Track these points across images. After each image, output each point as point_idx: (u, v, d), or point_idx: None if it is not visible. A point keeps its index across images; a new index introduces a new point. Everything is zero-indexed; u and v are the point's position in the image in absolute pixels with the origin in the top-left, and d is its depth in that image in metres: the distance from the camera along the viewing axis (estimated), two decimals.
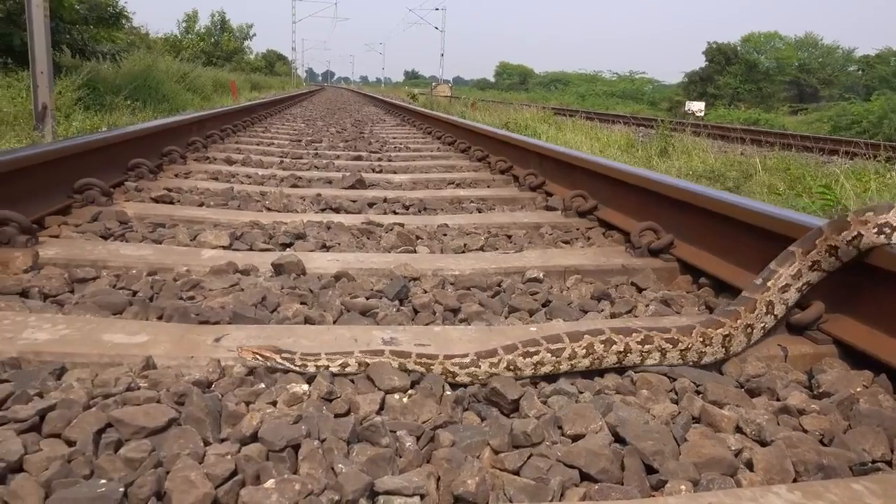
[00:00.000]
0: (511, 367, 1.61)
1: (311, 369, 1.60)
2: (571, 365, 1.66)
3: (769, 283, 1.85)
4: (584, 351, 1.65)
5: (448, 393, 1.54)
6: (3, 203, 2.60)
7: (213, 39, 49.94)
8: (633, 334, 1.69)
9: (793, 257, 1.87)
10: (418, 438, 1.36)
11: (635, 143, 12.70)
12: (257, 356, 1.59)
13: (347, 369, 1.60)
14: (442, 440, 1.33)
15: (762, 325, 1.83)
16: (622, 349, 1.68)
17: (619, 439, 1.37)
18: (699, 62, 64.79)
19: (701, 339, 1.73)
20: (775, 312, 1.85)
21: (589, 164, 3.74)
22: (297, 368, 1.60)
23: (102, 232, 2.86)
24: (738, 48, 58.33)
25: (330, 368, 1.60)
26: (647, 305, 2.26)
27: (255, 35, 56.30)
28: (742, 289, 2.27)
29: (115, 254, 2.51)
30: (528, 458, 1.29)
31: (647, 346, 1.69)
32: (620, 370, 1.72)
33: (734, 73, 56.19)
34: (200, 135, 6.22)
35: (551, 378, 1.67)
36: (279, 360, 1.59)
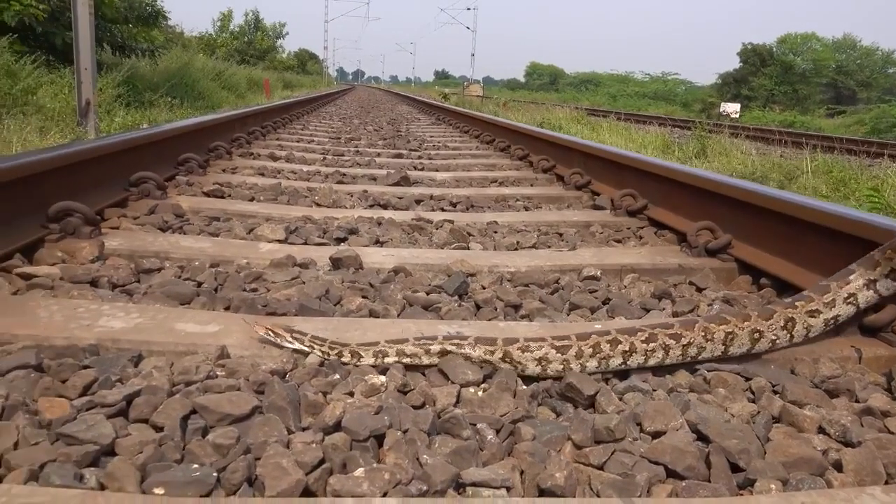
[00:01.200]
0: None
1: (318, 354, 1.63)
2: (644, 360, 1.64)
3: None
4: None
5: (523, 387, 1.53)
6: (66, 195, 2.65)
7: (246, 38, 50.47)
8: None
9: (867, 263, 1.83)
10: (498, 431, 1.36)
11: (671, 143, 12.58)
12: (269, 331, 1.64)
13: (342, 358, 1.63)
14: (523, 434, 1.33)
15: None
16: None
17: (701, 437, 1.35)
18: (733, 63, 63.92)
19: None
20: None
21: (639, 163, 3.71)
22: (305, 347, 1.64)
23: (160, 224, 2.90)
24: (774, 49, 57.44)
25: (330, 356, 1.63)
26: (709, 305, 2.23)
27: (287, 34, 56.79)
28: (805, 289, 2.24)
29: (176, 246, 2.54)
30: (612, 453, 1.28)
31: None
32: (690, 367, 1.70)
33: (769, 74, 55.34)
34: (243, 131, 6.28)
35: (622, 375, 1.66)
36: (289, 339, 1.63)
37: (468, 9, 62.71)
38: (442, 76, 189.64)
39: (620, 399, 1.51)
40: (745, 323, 1.70)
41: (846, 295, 1.79)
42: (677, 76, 72.73)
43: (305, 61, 73.94)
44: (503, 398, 1.46)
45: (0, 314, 1.74)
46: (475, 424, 1.36)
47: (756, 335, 1.71)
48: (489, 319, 2.04)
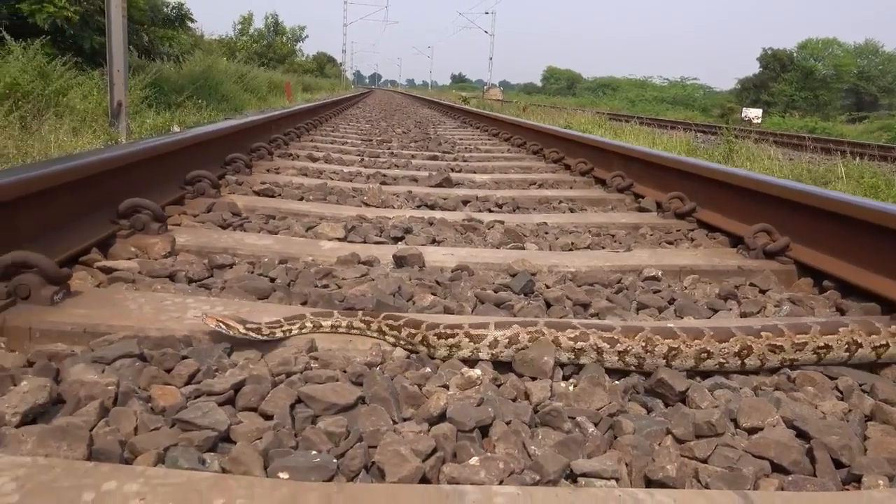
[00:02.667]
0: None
1: (279, 334, 1.66)
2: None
3: None
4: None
5: (616, 383, 1.55)
6: (131, 193, 2.70)
7: (265, 42, 50.81)
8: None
9: None
10: (596, 424, 1.38)
11: (696, 148, 12.54)
12: (220, 324, 1.60)
13: (304, 331, 1.70)
14: (624, 427, 1.35)
15: None
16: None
17: (799, 433, 1.37)
18: (753, 69, 63.54)
19: None
20: None
21: (687, 165, 3.72)
22: (263, 337, 1.63)
23: (220, 222, 2.94)
24: (795, 55, 57.07)
25: (292, 331, 1.69)
26: (776, 306, 2.24)
27: (307, 37, 57.11)
28: (872, 291, 2.25)
29: (241, 242, 2.59)
30: (716, 447, 1.29)
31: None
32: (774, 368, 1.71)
33: (790, 80, 55.00)
34: (279, 132, 6.35)
35: (704, 373, 1.67)
36: (242, 331, 1.61)
37: (486, 13, 62.83)
38: (459, 80, 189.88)
39: (711, 395, 1.52)
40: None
41: None
42: (696, 81, 72.41)
43: (324, 64, 74.33)
44: (596, 393, 1.48)
45: (94, 306, 1.78)
46: (574, 417, 1.38)
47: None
48: (560, 317, 2.07)
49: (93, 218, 2.44)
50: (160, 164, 3.20)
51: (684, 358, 1.63)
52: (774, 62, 56.38)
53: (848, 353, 1.69)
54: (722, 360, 1.64)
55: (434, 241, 2.92)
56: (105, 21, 10.47)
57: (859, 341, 1.69)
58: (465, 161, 6.11)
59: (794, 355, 1.67)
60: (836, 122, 38.68)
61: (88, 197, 2.45)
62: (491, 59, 59.66)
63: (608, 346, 1.61)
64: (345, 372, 1.52)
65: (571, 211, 3.91)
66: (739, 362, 1.65)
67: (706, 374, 1.66)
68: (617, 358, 1.62)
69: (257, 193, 3.68)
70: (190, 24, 17.80)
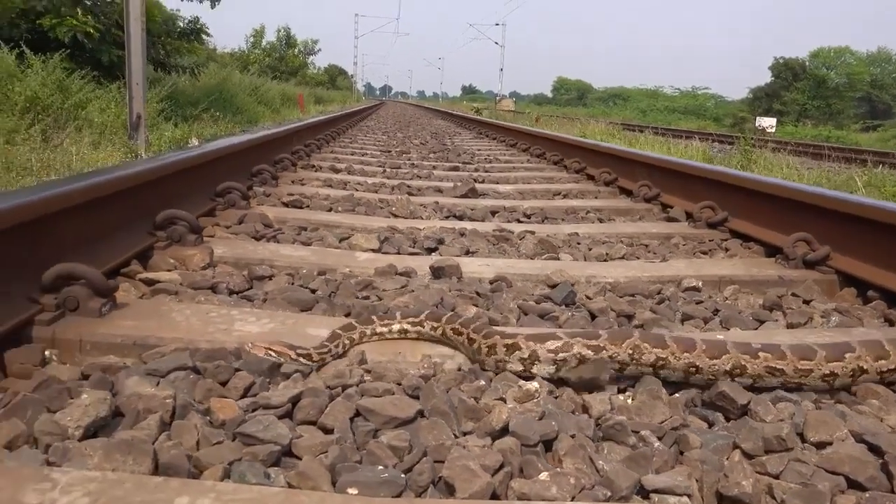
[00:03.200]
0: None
1: (329, 359, 1.62)
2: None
3: None
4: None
5: (677, 395, 1.53)
6: (164, 205, 2.70)
7: (278, 54, 51.12)
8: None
9: None
10: (661, 438, 1.35)
11: (712, 158, 12.49)
12: (269, 352, 1.54)
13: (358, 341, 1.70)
14: (691, 441, 1.32)
15: None
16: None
17: (871, 447, 1.33)
18: (764, 78, 63.41)
19: None
20: None
21: (717, 174, 3.69)
22: (314, 364, 1.58)
23: (253, 233, 2.94)
24: (807, 63, 56.86)
25: (339, 353, 1.65)
26: (822, 317, 2.20)
27: (319, 51, 57.46)
28: None
29: (278, 254, 2.58)
30: (787, 463, 1.26)
31: None
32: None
33: (802, 88, 54.76)
34: (300, 144, 6.36)
35: (759, 388, 1.63)
36: (293, 356, 1.55)
37: (497, 24, 63.04)
38: (469, 91, 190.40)
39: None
40: None
41: None
42: (707, 90, 72.25)
43: (335, 77, 74.75)
44: (657, 406, 1.45)
45: (141, 318, 1.77)
46: (637, 431, 1.35)
47: None
48: (606, 328, 2.04)
49: (131, 230, 2.44)
50: (191, 176, 3.20)
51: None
52: (786, 71, 56.19)
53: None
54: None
55: (468, 252, 2.90)
56: (123, 35, 10.59)
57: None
58: (486, 172, 6.10)
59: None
60: (849, 130, 38.49)
61: (126, 209, 2.44)
62: (501, 70, 59.83)
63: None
64: (399, 385, 1.50)
65: (600, 221, 3.88)
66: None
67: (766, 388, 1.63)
68: None
69: (286, 205, 3.68)
70: (206, 37, 17.90)
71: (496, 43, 60.52)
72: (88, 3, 13.51)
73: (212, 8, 15.42)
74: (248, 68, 34.53)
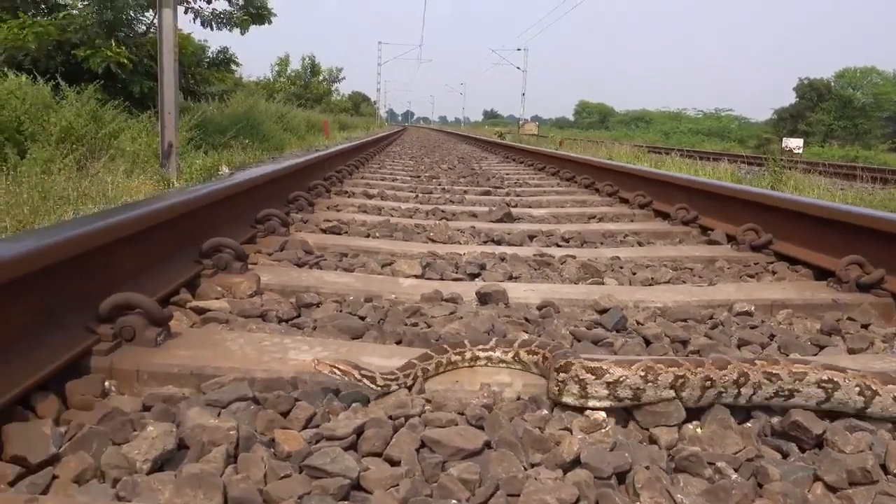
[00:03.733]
0: None
1: (394, 387, 1.57)
2: None
3: None
4: None
5: (748, 425, 1.48)
6: (209, 233, 2.72)
7: (302, 82, 51.86)
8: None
9: None
10: (737, 470, 1.30)
11: (741, 179, 12.37)
12: (335, 370, 1.53)
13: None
14: (770, 474, 1.27)
15: None
16: None
17: None
18: (789, 99, 62.96)
19: None
20: None
21: (759, 196, 3.64)
22: (377, 387, 1.56)
23: (295, 260, 2.94)
24: (832, 84, 56.44)
25: (407, 384, 1.60)
26: (884, 342, 2.14)
27: (344, 78, 58.20)
28: None
29: (322, 280, 2.57)
30: (875, 496, 1.21)
31: None
32: None
33: (827, 109, 54.34)
34: (332, 170, 6.40)
35: (832, 415, 1.58)
36: (357, 376, 1.54)
37: (518, 49, 63.40)
38: (491, 116, 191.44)
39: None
40: None
41: None
42: (731, 112, 71.90)
43: (359, 103, 75.62)
44: (728, 436, 1.41)
45: (196, 347, 1.77)
46: (713, 463, 1.31)
47: None
48: (661, 355, 1.99)
49: (178, 258, 2.44)
50: (233, 204, 3.22)
51: None
52: (811, 92, 55.82)
53: None
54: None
55: (511, 278, 2.87)
56: (154, 66, 10.78)
57: None
58: (518, 196, 6.08)
59: None
60: (877, 150, 38.02)
61: (174, 238, 2.45)
62: (524, 94, 60.08)
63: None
64: (462, 414, 1.47)
65: (640, 244, 3.84)
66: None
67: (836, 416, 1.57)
68: None
69: (324, 231, 3.69)
70: (236, 66, 18.24)
71: (518, 68, 60.96)
72: (121, 36, 13.82)
73: (241, 34, 15.63)
74: (274, 96, 35.04)
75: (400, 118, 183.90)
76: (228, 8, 15.83)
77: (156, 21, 15.04)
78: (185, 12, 15.40)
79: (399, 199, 5.46)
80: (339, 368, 1.53)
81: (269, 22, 16.07)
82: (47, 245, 1.59)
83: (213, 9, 15.98)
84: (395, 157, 11.87)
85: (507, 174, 8.67)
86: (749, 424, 1.49)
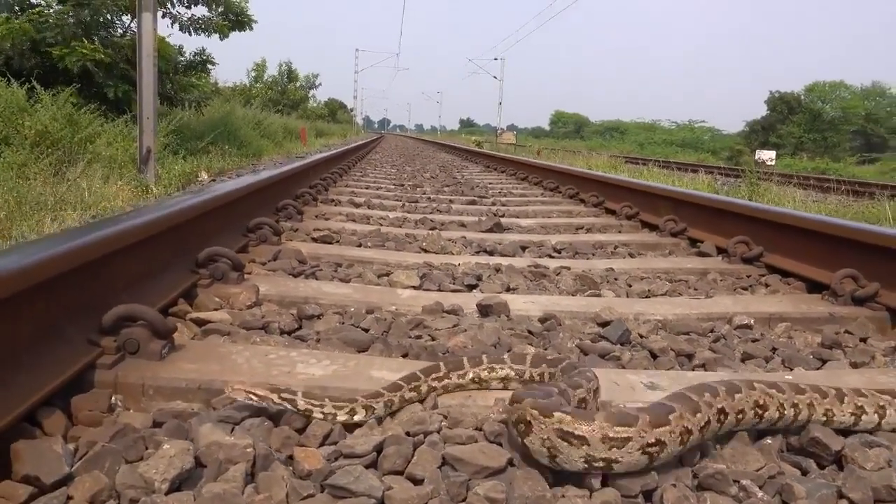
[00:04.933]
0: None
1: (317, 415, 1.45)
2: None
3: None
4: None
5: (769, 441, 1.48)
6: (203, 243, 2.67)
7: (279, 88, 51.58)
8: None
9: None
10: (761, 487, 1.30)
11: (718, 190, 12.52)
12: (251, 395, 1.43)
13: (356, 417, 1.46)
14: (795, 491, 1.27)
15: None
16: None
17: None
18: (760, 111, 64.01)
19: None
20: None
21: (750, 209, 3.68)
22: (298, 411, 1.45)
23: (290, 270, 2.90)
24: (802, 97, 57.46)
25: (338, 417, 1.45)
26: (884, 356, 2.16)
27: (320, 85, 58.00)
28: None
29: (321, 291, 2.54)
30: None
31: None
32: None
33: (798, 122, 55.26)
34: (317, 178, 6.36)
35: (843, 432, 1.58)
36: (276, 401, 1.44)
37: (495, 59, 63.73)
38: (467, 124, 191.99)
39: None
40: None
41: None
42: (704, 124, 72.84)
43: (335, 110, 75.38)
44: (749, 453, 1.40)
45: (201, 360, 1.72)
46: (738, 481, 1.30)
47: None
48: (668, 369, 1.99)
49: (174, 269, 2.39)
50: (225, 213, 3.17)
51: None
52: (782, 105, 56.74)
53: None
54: None
55: (509, 289, 2.86)
56: (133, 69, 10.60)
57: None
58: (503, 206, 6.08)
59: None
60: (846, 163, 38.71)
61: (169, 248, 2.41)
62: (500, 103, 60.32)
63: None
64: (480, 430, 1.45)
65: (631, 256, 3.85)
66: None
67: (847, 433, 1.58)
68: None
69: (315, 240, 3.65)
70: (212, 67, 18.02)
71: (495, 77, 61.16)
72: (98, 37, 13.62)
73: (221, 40, 15.50)
74: (251, 102, 34.80)
75: (376, 125, 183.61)
76: (207, 14, 15.69)
77: (133, 25, 14.91)
78: (164, 17, 15.25)
79: (386, 208, 5.43)
80: (255, 394, 1.43)
81: (250, 28, 15.98)
82: (50, 256, 1.55)
83: (192, 14, 15.85)
84: (377, 166, 11.83)
85: (490, 184, 8.68)
86: (769, 441, 1.48)
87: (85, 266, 1.73)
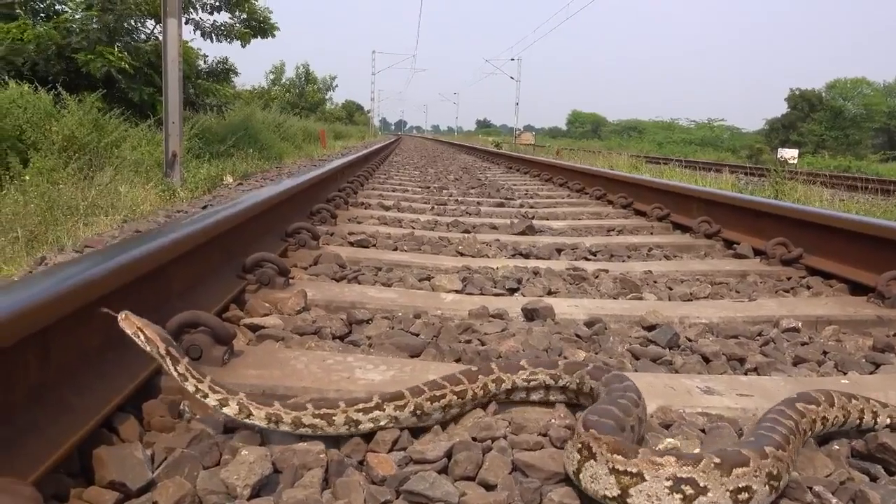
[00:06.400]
0: None
1: (189, 386, 1.38)
2: None
3: None
4: None
5: (836, 447, 1.47)
6: (246, 248, 2.70)
7: (297, 90, 51.91)
8: None
9: None
10: (833, 493, 1.29)
11: (742, 189, 12.42)
12: (139, 333, 1.39)
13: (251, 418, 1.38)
14: (871, 498, 1.26)
15: None
16: None
17: None
18: (780, 109, 63.45)
19: None
20: None
21: (789, 211, 3.66)
22: (174, 372, 1.38)
23: (331, 274, 2.92)
24: (823, 95, 56.89)
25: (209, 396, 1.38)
26: None
27: (337, 87, 58.32)
28: None
29: (366, 296, 2.55)
30: None
31: None
32: None
33: (819, 120, 54.75)
34: (345, 182, 6.39)
35: None
36: (162, 351, 1.38)
37: (512, 59, 63.67)
38: (484, 125, 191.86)
39: None
40: None
41: None
42: (723, 122, 72.33)
43: (353, 112, 75.72)
44: (817, 458, 1.40)
45: (262, 366, 1.75)
46: (811, 487, 1.29)
47: None
48: (721, 373, 1.99)
49: (223, 275, 2.43)
50: (264, 219, 3.20)
51: None
52: (803, 102, 56.26)
53: None
54: None
55: (550, 292, 2.86)
56: (156, 74, 10.71)
57: None
58: (531, 208, 6.08)
59: None
60: (869, 161, 38.25)
61: (217, 255, 2.44)
62: (517, 104, 60.27)
63: None
64: (545, 436, 1.46)
65: (667, 258, 3.84)
66: None
67: None
68: None
69: (352, 244, 3.67)
70: (235, 76, 18.21)
71: (512, 77, 61.10)
72: (122, 43, 13.78)
73: (242, 47, 15.64)
74: (269, 105, 35.02)
75: (393, 127, 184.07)
76: (230, 20, 15.82)
77: (156, 30, 15.07)
78: (186, 23, 15.41)
79: (416, 211, 5.45)
80: (144, 333, 1.39)
81: (273, 35, 16.07)
82: (119, 266, 1.58)
83: (214, 21, 16.00)
84: (400, 168, 11.87)
85: (515, 185, 8.68)
86: (836, 447, 1.48)
87: (149, 274, 1.76)
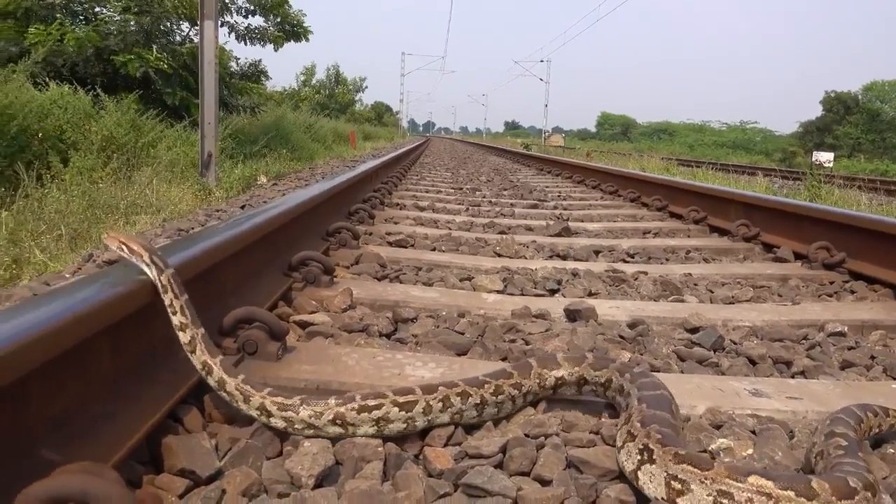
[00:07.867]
0: None
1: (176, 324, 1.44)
2: None
3: None
4: None
5: (890, 450, 1.47)
6: (290, 247, 2.75)
7: (327, 92, 52.31)
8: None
9: None
10: (892, 496, 1.29)
11: (776, 192, 12.27)
12: (123, 246, 1.43)
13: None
14: None
15: None
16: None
17: None
18: (815, 112, 62.44)
19: None
20: None
21: (832, 214, 3.62)
22: (156, 280, 1.42)
23: (373, 273, 2.96)
24: (859, 97, 55.86)
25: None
26: None
27: (367, 88, 58.68)
28: None
29: (409, 295, 2.59)
30: None
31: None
32: None
33: (855, 122, 53.75)
34: (379, 182, 6.45)
35: None
36: (147, 260, 1.41)
37: (541, 61, 63.50)
38: (512, 126, 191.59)
39: None
40: None
41: None
42: (756, 125, 71.33)
43: (382, 113, 76.13)
44: (873, 461, 1.40)
45: (315, 362, 1.79)
46: None
47: None
48: (768, 376, 1.99)
49: (270, 273, 2.48)
50: (306, 219, 3.25)
51: None
52: (838, 105, 55.27)
53: None
54: None
55: (590, 294, 2.87)
56: (192, 76, 10.84)
57: None
58: (565, 210, 6.08)
59: None
60: None
61: (266, 253, 2.49)
62: (546, 105, 60.06)
63: None
64: (597, 434, 1.48)
65: (706, 261, 3.82)
66: None
67: None
68: None
69: (391, 244, 3.71)
70: (266, 79, 18.42)
71: (541, 79, 60.91)
72: (158, 44, 14.01)
73: (275, 50, 15.81)
74: (300, 106, 35.33)
75: (421, 128, 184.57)
76: (264, 24, 15.99)
77: (191, 33, 15.31)
78: (221, 26, 15.61)
79: (451, 212, 5.48)
80: (127, 246, 1.44)
81: (307, 39, 16.20)
82: (181, 262, 1.62)
83: (249, 24, 16.19)
84: (431, 169, 11.93)
85: (547, 187, 8.67)
86: (890, 450, 1.47)
87: (206, 271, 1.80)
